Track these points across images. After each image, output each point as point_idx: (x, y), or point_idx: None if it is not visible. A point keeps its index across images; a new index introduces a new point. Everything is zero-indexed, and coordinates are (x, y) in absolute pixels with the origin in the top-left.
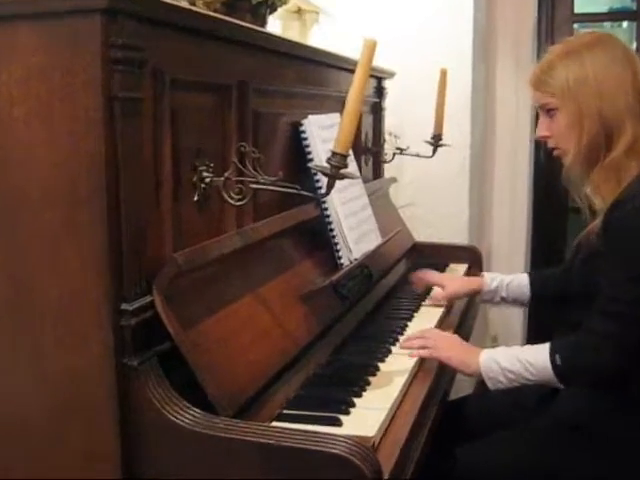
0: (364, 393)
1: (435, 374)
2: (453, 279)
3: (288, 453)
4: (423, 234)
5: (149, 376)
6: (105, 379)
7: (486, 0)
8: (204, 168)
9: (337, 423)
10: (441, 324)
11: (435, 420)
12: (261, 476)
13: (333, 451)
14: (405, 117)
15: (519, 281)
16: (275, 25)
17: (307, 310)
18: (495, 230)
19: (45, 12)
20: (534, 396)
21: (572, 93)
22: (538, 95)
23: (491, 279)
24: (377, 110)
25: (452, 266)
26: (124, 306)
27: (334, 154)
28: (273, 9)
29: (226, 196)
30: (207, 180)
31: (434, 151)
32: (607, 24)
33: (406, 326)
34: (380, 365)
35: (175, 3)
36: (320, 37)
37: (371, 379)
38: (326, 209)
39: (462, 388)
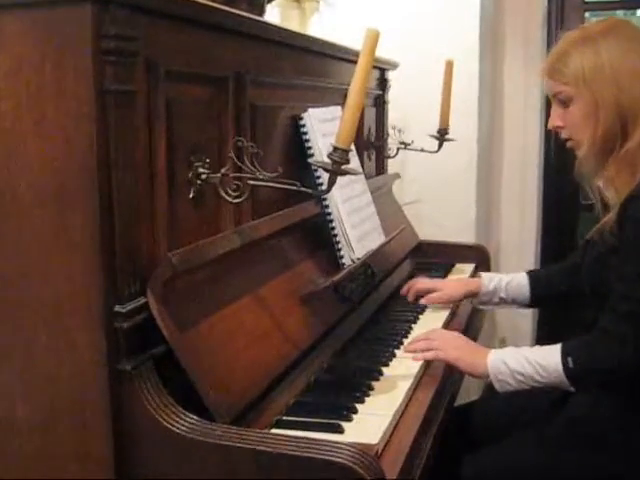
0: (367, 399)
1: (441, 378)
2: (447, 282)
3: (288, 461)
4: (428, 232)
5: (143, 381)
6: (97, 384)
7: None
8: (200, 164)
9: (339, 430)
10: (447, 326)
11: (441, 426)
12: None
13: (335, 459)
14: (409, 110)
15: (518, 281)
16: (273, 14)
17: (308, 312)
18: (503, 228)
19: (33, 1)
20: (544, 401)
21: (587, 82)
22: (551, 84)
23: (489, 280)
24: (380, 103)
25: (458, 266)
26: (117, 308)
27: (335, 149)
28: None
29: (223, 193)
30: (203, 176)
31: (440, 146)
32: (620, 12)
33: (411, 329)
34: (384, 369)
35: None
36: (320, 27)
37: (374, 384)
38: (327, 206)
39: (469, 393)
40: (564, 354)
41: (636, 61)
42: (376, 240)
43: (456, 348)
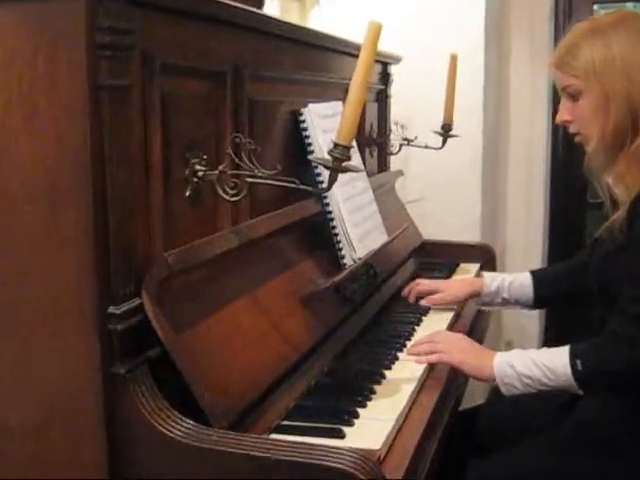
0: (369, 403)
1: (445, 382)
2: (449, 283)
3: (287, 467)
4: (432, 231)
5: (138, 384)
6: (91, 388)
7: None
8: (197, 160)
9: (340, 435)
10: (451, 328)
11: (445, 431)
12: None
13: (336, 465)
14: (412, 106)
15: (521, 281)
16: (273, 7)
17: (308, 313)
18: (509, 227)
19: None
20: (552, 405)
21: (597, 74)
22: (560, 77)
23: (491, 279)
24: (382, 98)
25: (463, 266)
26: (111, 309)
27: (336, 145)
28: None
29: (220, 191)
30: (200, 173)
31: (444, 142)
32: (630, 4)
33: (414, 330)
34: (386, 373)
35: None
36: (320, 20)
37: (376, 388)
38: (328, 205)
39: (474, 396)
40: (572, 356)
41: None
42: (378, 239)
43: (461, 351)
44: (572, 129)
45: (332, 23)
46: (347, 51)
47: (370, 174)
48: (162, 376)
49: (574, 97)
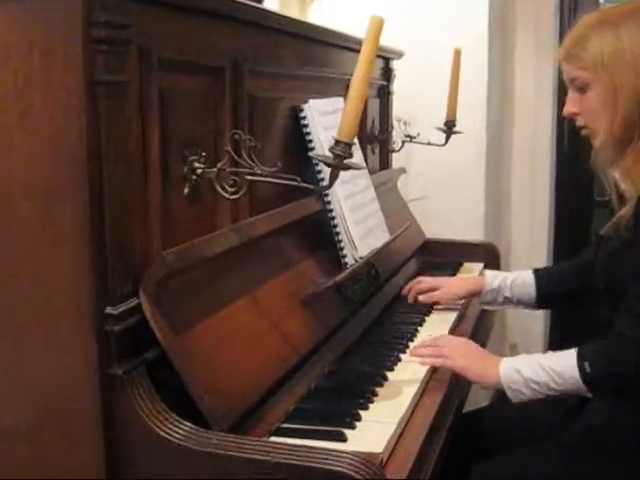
0: (371, 405)
1: (449, 383)
2: (449, 280)
3: (287, 471)
4: (435, 230)
5: (136, 386)
6: (88, 390)
7: None
8: (195, 158)
9: (341, 438)
10: (455, 329)
11: (449, 434)
12: None
13: (337, 469)
14: (415, 102)
15: (523, 279)
16: (272, 1)
17: (308, 314)
18: (514, 225)
19: None
20: (559, 409)
21: (606, 67)
22: (568, 68)
23: (492, 277)
24: (384, 94)
25: (467, 265)
26: (108, 310)
27: (337, 142)
28: None
29: (219, 189)
30: (199, 171)
31: (447, 139)
32: None
33: (417, 331)
34: (388, 374)
35: None
36: (320, 14)
37: (378, 390)
38: (329, 203)
39: (478, 398)
40: (580, 359)
41: None
42: (380, 238)
43: (465, 356)
44: (579, 122)
45: (333, 17)
46: (348, 46)
47: (372, 171)
48: (160, 378)
49: (582, 89)
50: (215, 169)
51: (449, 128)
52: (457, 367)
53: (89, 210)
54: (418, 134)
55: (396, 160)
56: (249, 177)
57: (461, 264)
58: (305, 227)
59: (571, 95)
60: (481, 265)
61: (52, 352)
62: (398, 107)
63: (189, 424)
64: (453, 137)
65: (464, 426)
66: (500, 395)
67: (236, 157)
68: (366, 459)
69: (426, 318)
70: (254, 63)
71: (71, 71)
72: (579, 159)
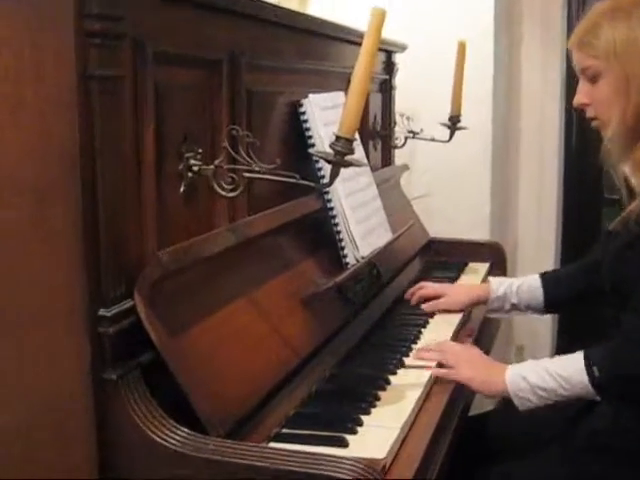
0: (373, 410)
1: (453, 387)
2: (453, 288)
3: (287, 477)
4: (439, 229)
5: (130, 391)
6: (81, 394)
7: None
8: (191, 155)
9: (342, 444)
10: (458, 332)
11: (454, 439)
12: None
13: (338, 475)
14: (418, 96)
15: (530, 284)
16: None
17: (308, 316)
18: (520, 224)
19: None
20: (565, 413)
21: (618, 56)
22: (580, 57)
23: (498, 284)
24: (387, 88)
25: (472, 265)
26: (102, 312)
27: (338, 138)
28: None
29: (216, 187)
30: (195, 168)
31: (451, 135)
32: None
33: (420, 334)
34: (391, 378)
35: None
36: (321, 6)
37: (381, 394)
38: (329, 201)
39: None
40: (588, 363)
41: None
42: (382, 237)
43: (469, 364)
44: (589, 113)
45: (333, 9)
46: (349, 39)
47: (374, 168)
48: (156, 382)
49: (593, 79)
50: (212, 166)
51: (453, 123)
52: (462, 378)
53: (82, 209)
54: (421, 130)
55: (399, 157)
56: (247, 174)
57: (466, 264)
58: (305, 226)
59: (582, 85)
60: (487, 265)
61: (45, 355)
62: (401, 102)
63: (185, 429)
64: (458, 133)
65: (469, 430)
66: (506, 399)
67: (234, 154)
68: (368, 465)
69: (430, 320)
70: (252, 56)
71: (63, 65)
72: (588, 155)
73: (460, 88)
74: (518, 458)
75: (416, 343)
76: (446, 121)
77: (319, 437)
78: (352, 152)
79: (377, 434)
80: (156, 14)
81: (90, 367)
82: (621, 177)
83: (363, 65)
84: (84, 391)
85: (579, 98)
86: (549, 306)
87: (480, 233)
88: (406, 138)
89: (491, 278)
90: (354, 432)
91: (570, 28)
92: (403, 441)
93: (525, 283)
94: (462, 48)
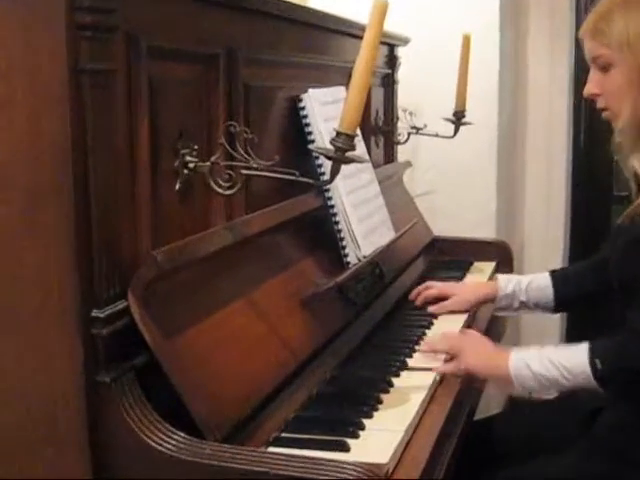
0: (375, 413)
1: (458, 390)
2: (460, 286)
3: None
4: (443, 227)
5: (124, 394)
6: (73, 398)
7: None
8: (187, 151)
9: (344, 448)
10: None
11: (458, 443)
12: None
13: None
14: (422, 91)
15: (539, 282)
16: None
17: (308, 316)
18: (527, 222)
19: None
20: (571, 416)
21: (632, 47)
22: (592, 46)
23: (506, 281)
24: (389, 83)
25: (477, 264)
26: (95, 312)
27: (339, 134)
28: None
29: (213, 184)
30: (191, 165)
31: (456, 130)
32: None
33: (424, 335)
34: (394, 380)
35: None
36: None
37: (383, 397)
38: (330, 199)
39: (490, 406)
40: (592, 355)
41: None
42: (385, 236)
43: (473, 349)
44: (599, 104)
45: (333, 1)
46: (350, 32)
47: (376, 165)
48: (151, 385)
49: (604, 68)
50: (208, 163)
51: (458, 119)
52: (467, 366)
53: (74, 206)
54: (425, 125)
55: (401, 153)
56: (245, 171)
57: (471, 263)
58: (304, 225)
59: (593, 75)
60: (493, 264)
61: (36, 357)
62: (403, 97)
63: (181, 434)
64: (462, 128)
65: (475, 434)
66: (511, 403)
67: (231, 150)
68: (370, 470)
69: (434, 321)
70: (250, 50)
71: (54, 59)
72: (597, 151)
73: (465, 82)
74: (524, 462)
75: (419, 344)
76: (450, 116)
77: (320, 441)
78: (353, 148)
79: (380, 438)
80: (150, 6)
81: (83, 369)
82: (631, 171)
83: (365, 59)
84: (76, 394)
85: (589, 88)
86: (559, 304)
87: (486, 231)
88: (409, 134)
89: (499, 275)
90: (356, 436)
91: (579, 20)
92: (407, 445)
93: (534, 281)
94: (467, 41)
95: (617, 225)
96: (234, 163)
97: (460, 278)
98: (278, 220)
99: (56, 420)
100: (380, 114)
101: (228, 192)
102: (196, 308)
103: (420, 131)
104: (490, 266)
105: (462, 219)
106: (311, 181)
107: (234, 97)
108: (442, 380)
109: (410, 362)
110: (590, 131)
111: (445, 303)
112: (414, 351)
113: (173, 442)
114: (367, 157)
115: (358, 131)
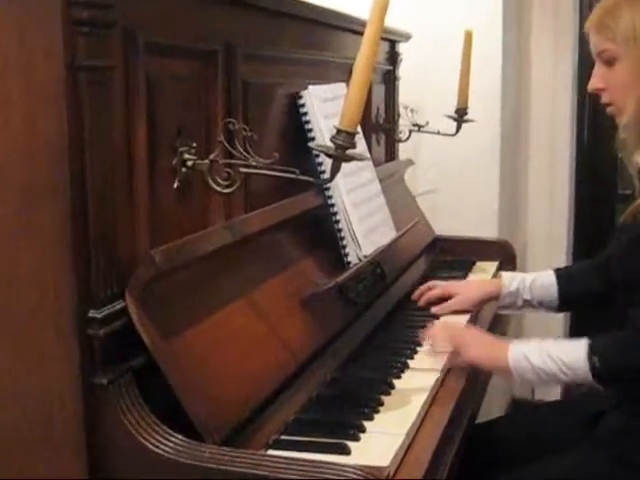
0: (376, 415)
1: (460, 392)
2: (464, 285)
3: None
4: (445, 226)
5: (122, 396)
6: (70, 400)
7: None
8: (186, 149)
9: (344, 451)
10: None
11: (460, 446)
12: None
13: None
14: (423, 88)
15: (544, 280)
16: None
17: (309, 317)
18: (530, 221)
19: None
20: (574, 420)
21: (637, 41)
22: (597, 40)
23: (510, 279)
24: (390, 79)
25: (480, 264)
26: (92, 313)
27: (339, 131)
28: None
29: (212, 182)
30: (189, 163)
31: (458, 128)
32: None
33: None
34: (395, 382)
35: None
36: None
37: (385, 398)
38: (330, 197)
39: (492, 410)
40: (591, 353)
41: None
42: (386, 235)
43: (474, 341)
44: (604, 99)
45: None
46: (351, 28)
47: (377, 163)
48: (148, 386)
49: (609, 63)
50: (207, 161)
51: (460, 116)
52: (470, 358)
53: (70, 205)
54: (427, 123)
55: (403, 151)
56: (244, 169)
57: (474, 263)
58: (304, 224)
59: (597, 69)
60: (495, 264)
61: (32, 359)
62: (405, 94)
63: (180, 436)
64: (465, 126)
65: (477, 437)
66: (513, 406)
67: (230, 148)
68: (371, 473)
69: (436, 321)
70: (249, 47)
71: (50, 56)
72: (600, 148)
73: (467, 79)
74: (526, 465)
75: (421, 345)
76: (452, 114)
77: (320, 444)
78: (354, 146)
79: (381, 441)
80: (148, 2)
81: (79, 371)
82: (635, 167)
83: (365, 55)
84: (73, 396)
85: (594, 82)
86: (564, 303)
87: (488, 230)
88: (410, 131)
89: (503, 273)
90: (356, 439)
91: (582, 16)
92: (408, 448)
93: (539, 279)
94: (469, 37)
95: (620, 223)
96: (233, 161)
97: (462, 278)
98: (278, 219)
99: (52, 422)
100: (381, 111)
101: (227, 190)
102: (195, 308)
103: (422, 129)
104: (493, 266)
105: (464, 218)
106: (311, 179)
107: (233, 94)
108: (444, 382)
109: (412, 363)
110: (594, 128)
111: (448, 303)
112: (415, 352)
113: (171, 445)
114: (368, 155)
115: (359, 128)
